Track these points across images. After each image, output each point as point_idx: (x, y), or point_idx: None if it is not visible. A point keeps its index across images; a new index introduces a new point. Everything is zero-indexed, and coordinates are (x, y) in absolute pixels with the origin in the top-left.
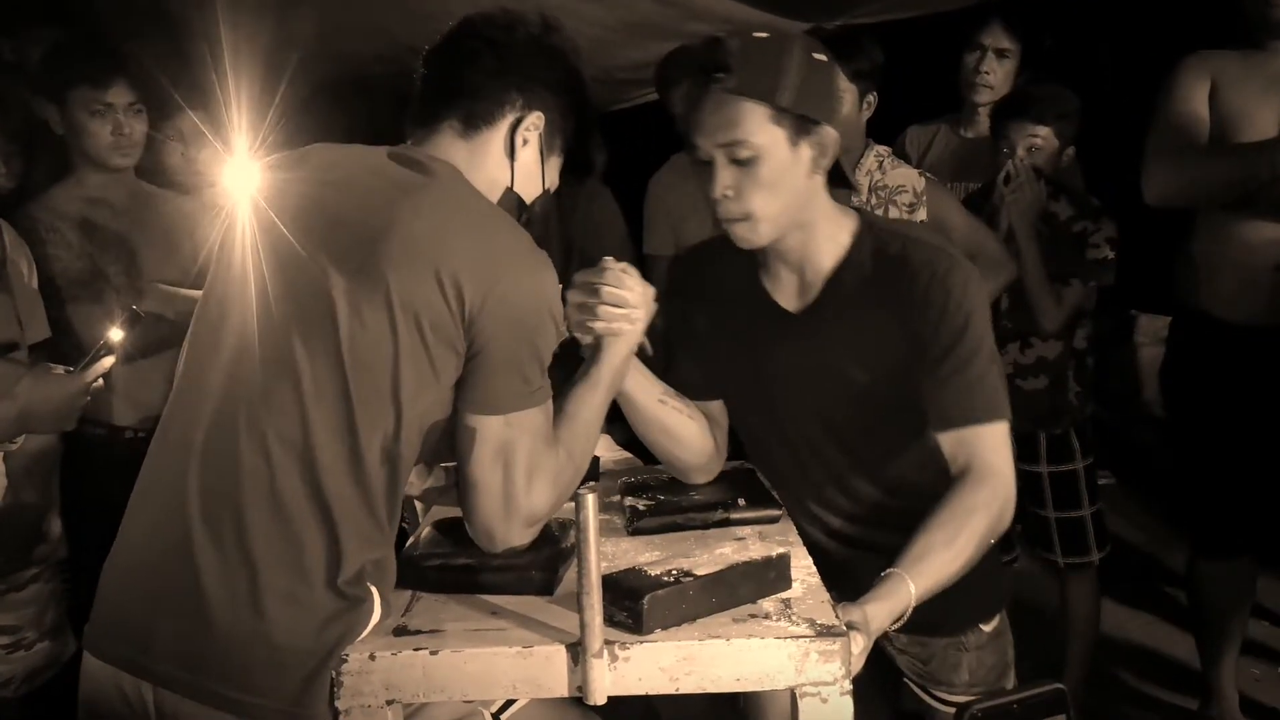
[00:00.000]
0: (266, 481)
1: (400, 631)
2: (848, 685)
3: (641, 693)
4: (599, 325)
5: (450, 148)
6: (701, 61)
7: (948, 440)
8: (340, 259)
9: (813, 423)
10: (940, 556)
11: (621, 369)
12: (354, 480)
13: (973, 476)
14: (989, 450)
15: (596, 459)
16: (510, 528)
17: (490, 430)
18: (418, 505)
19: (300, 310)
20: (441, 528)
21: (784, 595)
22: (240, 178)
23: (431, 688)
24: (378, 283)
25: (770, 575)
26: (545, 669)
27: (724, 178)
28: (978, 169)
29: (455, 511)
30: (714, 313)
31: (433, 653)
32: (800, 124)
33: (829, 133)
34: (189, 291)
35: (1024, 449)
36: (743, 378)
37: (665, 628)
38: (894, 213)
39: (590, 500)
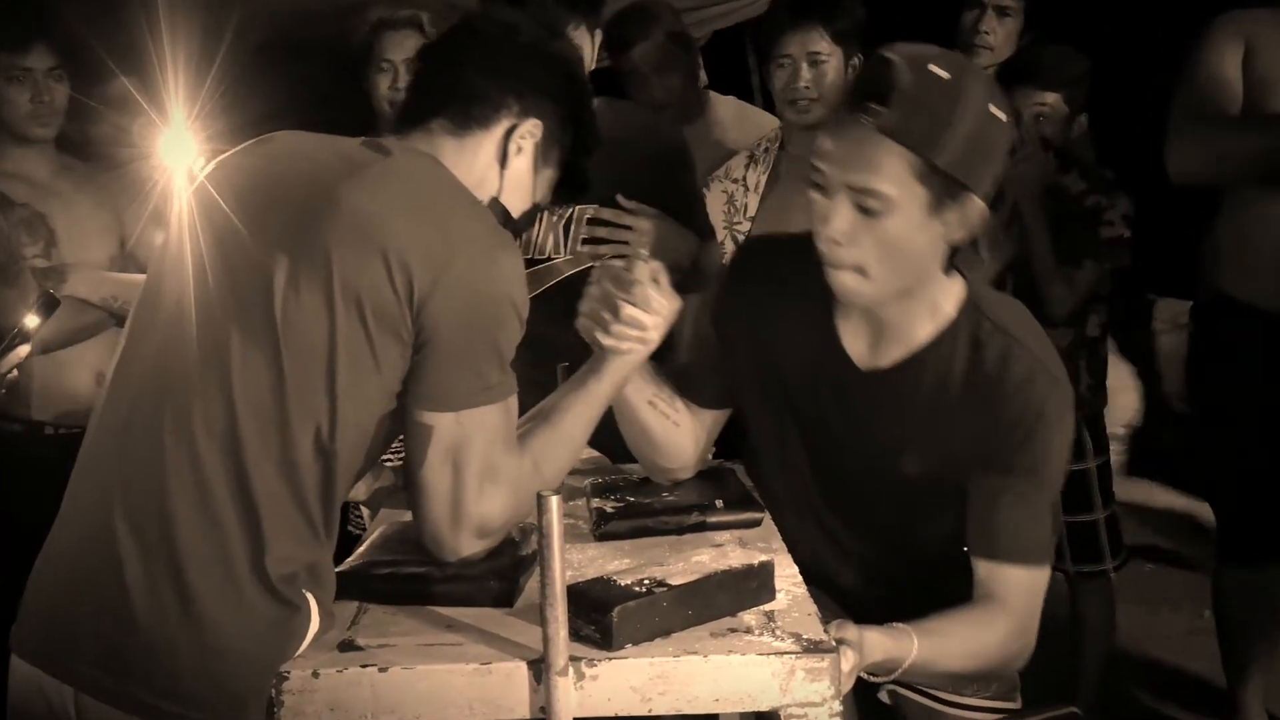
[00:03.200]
0: (190, 473)
1: (346, 646)
2: (837, 706)
3: (611, 714)
4: (608, 341)
5: (436, 145)
6: (859, 83)
7: (984, 567)
8: (283, 237)
9: (839, 485)
10: (953, 642)
11: (622, 385)
12: (283, 474)
13: (1001, 610)
14: (1024, 595)
15: None
16: (458, 536)
17: (440, 429)
18: (365, 511)
19: (237, 291)
20: (391, 533)
21: (767, 607)
22: (176, 149)
23: (380, 708)
24: (319, 262)
25: (752, 585)
26: (505, 688)
27: (841, 220)
28: None
29: (406, 515)
30: (768, 330)
31: (381, 670)
32: (949, 188)
33: (976, 206)
34: (117, 275)
35: None
36: (776, 410)
37: (636, 643)
38: None
39: (554, 502)
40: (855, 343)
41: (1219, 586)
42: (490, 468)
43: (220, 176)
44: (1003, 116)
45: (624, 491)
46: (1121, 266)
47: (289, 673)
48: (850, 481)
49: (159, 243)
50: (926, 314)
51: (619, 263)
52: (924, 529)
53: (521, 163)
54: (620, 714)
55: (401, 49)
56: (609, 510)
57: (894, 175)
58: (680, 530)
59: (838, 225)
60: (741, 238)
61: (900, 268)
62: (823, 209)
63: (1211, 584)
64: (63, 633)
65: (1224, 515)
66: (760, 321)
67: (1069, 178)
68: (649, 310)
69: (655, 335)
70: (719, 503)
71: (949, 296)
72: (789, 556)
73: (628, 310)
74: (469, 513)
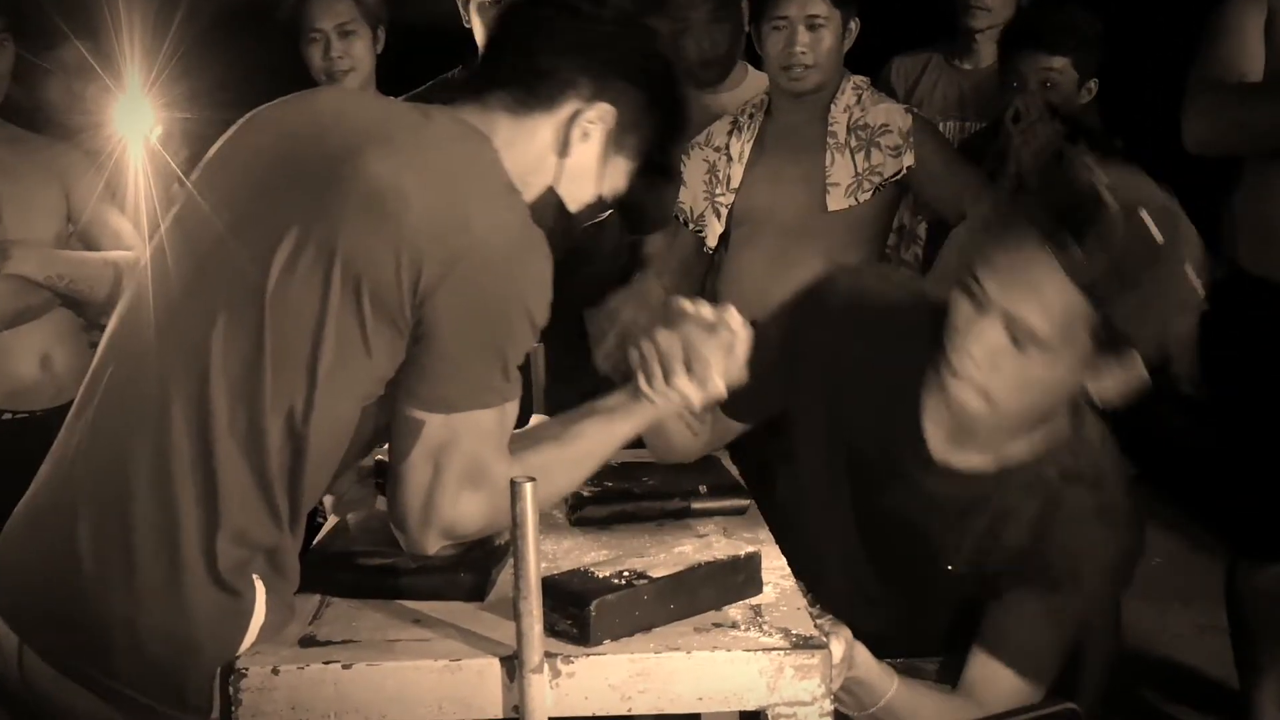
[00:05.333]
0: (154, 438)
1: (307, 642)
2: (828, 705)
3: (588, 714)
4: (647, 390)
5: (491, 121)
6: (1053, 199)
7: (980, 661)
8: (297, 203)
9: (879, 537)
10: (926, 708)
11: (644, 430)
12: (247, 451)
13: (978, 710)
14: (1005, 706)
15: None
16: (425, 534)
17: (427, 427)
18: (326, 500)
19: (237, 257)
20: (354, 521)
21: (754, 601)
22: (133, 116)
23: (344, 707)
24: (327, 232)
25: (738, 578)
26: (476, 686)
27: (986, 344)
28: (974, 106)
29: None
30: (844, 374)
31: (345, 666)
32: (1117, 346)
33: (1139, 370)
34: (66, 253)
35: None
36: (829, 448)
37: (616, 638)
38: (876, 157)
39: (528, 490)
40: (937, 430)
41: (1233, 582)
42: (474, 472)
43: (251, 133)
44: (1199, 287)
45: (602, 476)
46: None
47: (247, 669)
48: (891, 539)
49: (174, 197)
50: (1024, 434)
51: (707, 314)
52: (952, 603)
53: (587, 151)
54: (598, 714)
55: (331, 15)
56: (586, 494)
57: (1062, 319)
58: (662, 516)
59: (980, 347)
60: (724, 210)
61: (1030, 407)
62: (967, 321)
63: (1225, 579)
64: (17, 582)
65: (1239, 506)
66: (838, 361)
67: (1077, 148)
68: (704, 389)
69: (699, 407)
70: (702, 488)
71: (1056, 428)
72: (777, 548)
73: (681, 382)
74: (440, 514)
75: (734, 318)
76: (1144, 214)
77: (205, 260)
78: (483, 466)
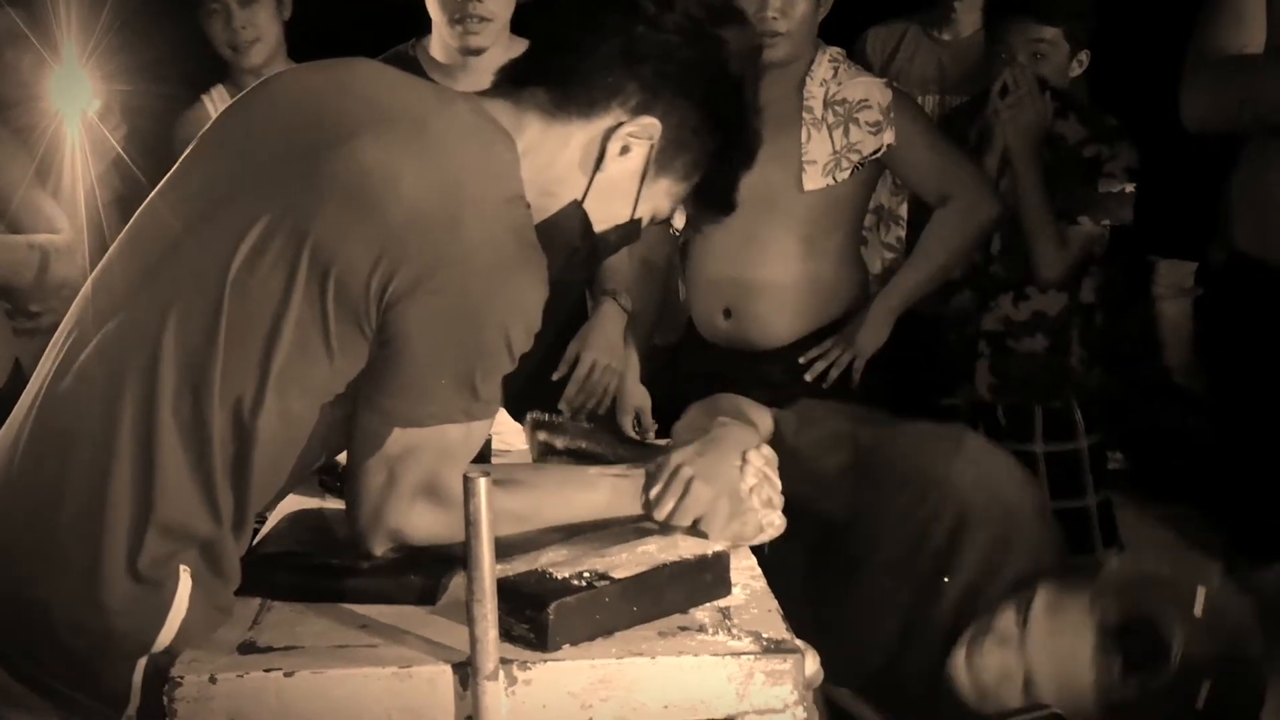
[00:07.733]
0: (99, 421)
1: (247, 648)
2: (801, 713)
3: None
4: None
5: (520, 120)
6: (1139, 623)
7: None
8: (274, 178)
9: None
10: None
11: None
12: (189, 442)
13: None
14: None
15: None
16: (371, 535)
17: (385, 438)
18: None
19: (213, 231)
20: (297, 518)
21: (722, 603)
22: (70, 90)
23: (287, 718)
24: (302, 215)
25: (705, 578)
26: (428, 695)
27: (1000, 666)
28: (954, 79)
29: (312, 502)
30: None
31: (288, 674)
32: None
33: None
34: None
35: (1016, 424)
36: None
37: (575, 643)
38: (855, 134)
39: (483, 486)
40: (967, 678)
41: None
42: (430, 486)
43: (260, 101)
44: None
45: (572, 435)
46: (1122, 224)
47: (183, 678)
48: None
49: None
50: None
51: (754, 502)
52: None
53: (624, 167)
54: None
55: None
56: (559, 447)
57: (1074, 699)
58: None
59: (997, 664)
60: None
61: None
62: (1003, 632)
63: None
64: None
65: (1237, 501)
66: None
67: (1067, 124)
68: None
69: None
70: None
71: None
72: (746, 547)
73: (686, 545)
74: (389, 522)
75: (777, 518)
76: (1205, 688)
77: (178, 236)
78: (440, 482)
